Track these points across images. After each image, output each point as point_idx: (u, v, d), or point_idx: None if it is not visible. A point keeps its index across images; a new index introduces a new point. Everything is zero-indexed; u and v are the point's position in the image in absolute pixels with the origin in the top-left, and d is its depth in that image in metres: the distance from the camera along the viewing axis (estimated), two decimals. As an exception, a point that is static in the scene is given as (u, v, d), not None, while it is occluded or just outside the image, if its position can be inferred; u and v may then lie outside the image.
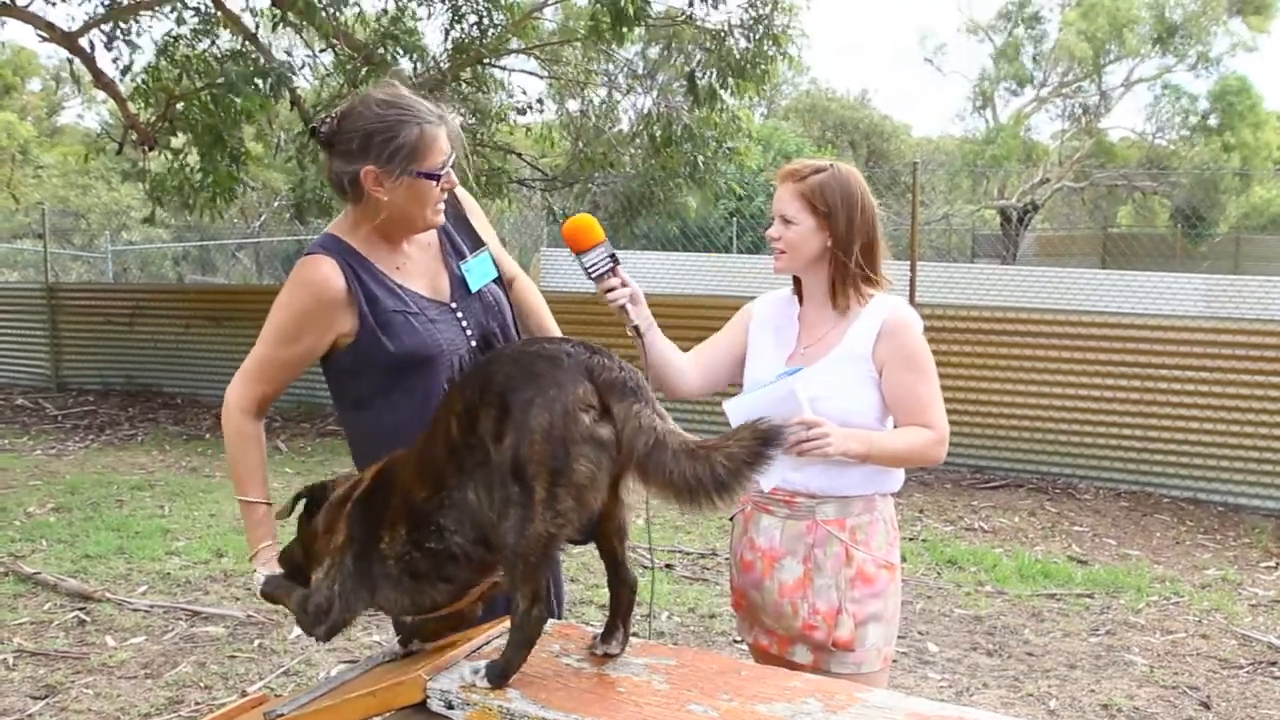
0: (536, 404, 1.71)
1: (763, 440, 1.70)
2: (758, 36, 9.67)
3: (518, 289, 2.64)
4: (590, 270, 2.37)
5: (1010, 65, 27.37)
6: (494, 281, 2.53)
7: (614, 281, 2.37)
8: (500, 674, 1.82)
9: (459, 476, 1.83)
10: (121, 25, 9.54)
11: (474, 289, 2.46)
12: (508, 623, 2.14)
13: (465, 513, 1.83)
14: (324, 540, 2.05)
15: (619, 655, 1.97)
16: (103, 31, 9.42)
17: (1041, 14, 26.98)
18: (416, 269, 2.43)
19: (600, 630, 2.02)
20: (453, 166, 2.34)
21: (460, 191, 2.53)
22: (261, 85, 8.47)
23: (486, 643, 2.07)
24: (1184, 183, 24.36)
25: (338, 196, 2.40)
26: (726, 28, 9.71)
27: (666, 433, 1.73)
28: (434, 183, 2.29)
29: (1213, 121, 25.38)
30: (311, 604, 2.03)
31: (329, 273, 2.32)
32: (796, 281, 2.59)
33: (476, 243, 2.53)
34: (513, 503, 1.74)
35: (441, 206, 2.38)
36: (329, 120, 2.33)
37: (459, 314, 2.42)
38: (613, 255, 2.38)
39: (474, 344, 2.40)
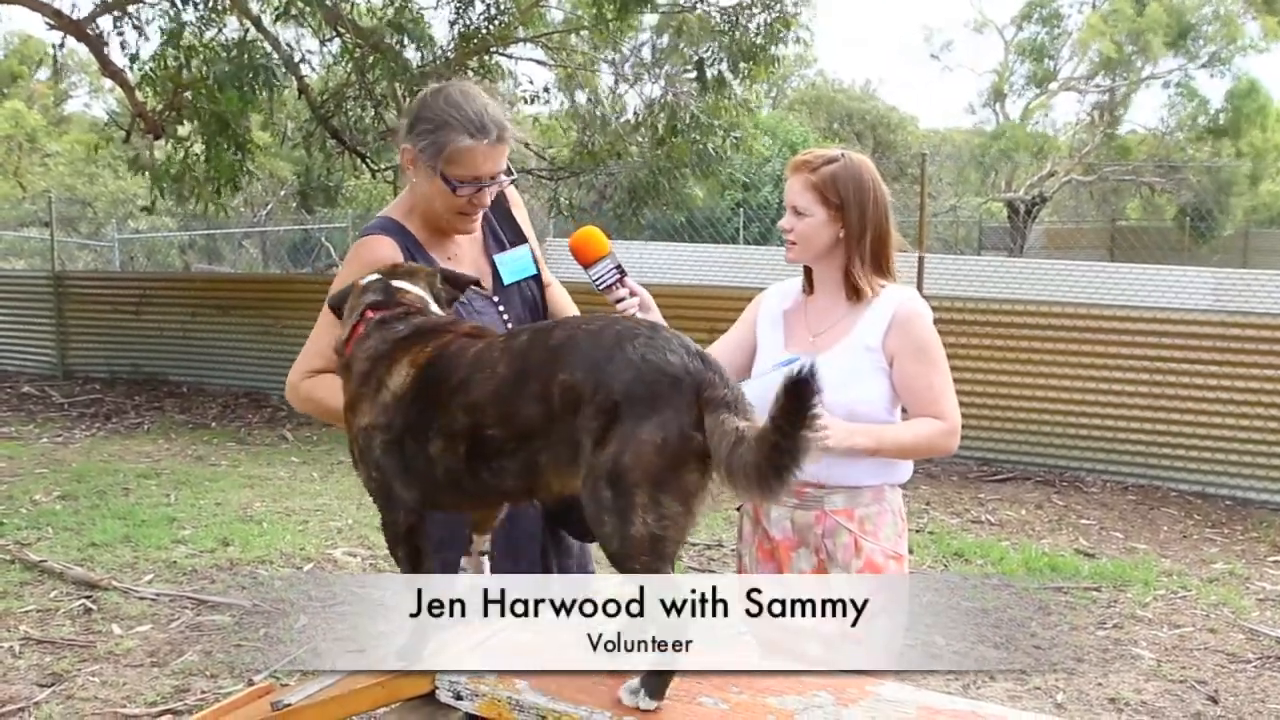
0: (652, 422, 1.70)
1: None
2: (770, 20, 9.63)
3: (551, 295, 2.64)
4: (597, 283, 2.39)
5: (1028, 61, 27.30)
6: (532, 279, 2.53)
7: (622, 292, 2.39)
8: (660, 685, 1.77)
9: (543, 441, 1.80)
10: (130, 10, 9.52)
11: (507, 282, 2.47)
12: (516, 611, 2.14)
13: (531, 468, 1.82)
14: (346, 413, 2.02)
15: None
16: (114, 19, 9.40)
17: (1062, 10, 26.88)
18: (465, 260, 2.45)
19: None
20: (492, 190, 2.34)
21: (510, 189, 2.54)
22: (256, 81, 8.45)
23: (491, 635, 2.06)
24: (1193, 180, 24.27)
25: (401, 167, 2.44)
26: (737, 10, 9.67)
27: (745, 429, 1.70)
28: (451, 190, 2.30)
29: (1222, 121, 25.30)
30: (374, 498, 2.01)
31: (389, 254, 2.32)
32: (807, 271, 2.57)
33: (518, 238, 2.54)
34: (607, 508, 1.72)
35: (475, 219, 2.38)
36: (417, 96, 2.39)
37: (500, 306, 2.44)
38: (619, 267, 2.39)
39: None
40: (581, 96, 11.66)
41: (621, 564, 1.74)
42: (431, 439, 1.89)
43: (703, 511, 1.76)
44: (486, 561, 2.17)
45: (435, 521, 2.06)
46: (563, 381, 1.76)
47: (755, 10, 9.65)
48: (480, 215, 2.41)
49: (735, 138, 10.79)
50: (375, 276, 2.11)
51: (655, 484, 1.69)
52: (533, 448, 1.81)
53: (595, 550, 2.39)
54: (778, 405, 1.59)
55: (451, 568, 2.23)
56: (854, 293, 2.47)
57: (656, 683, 1.75)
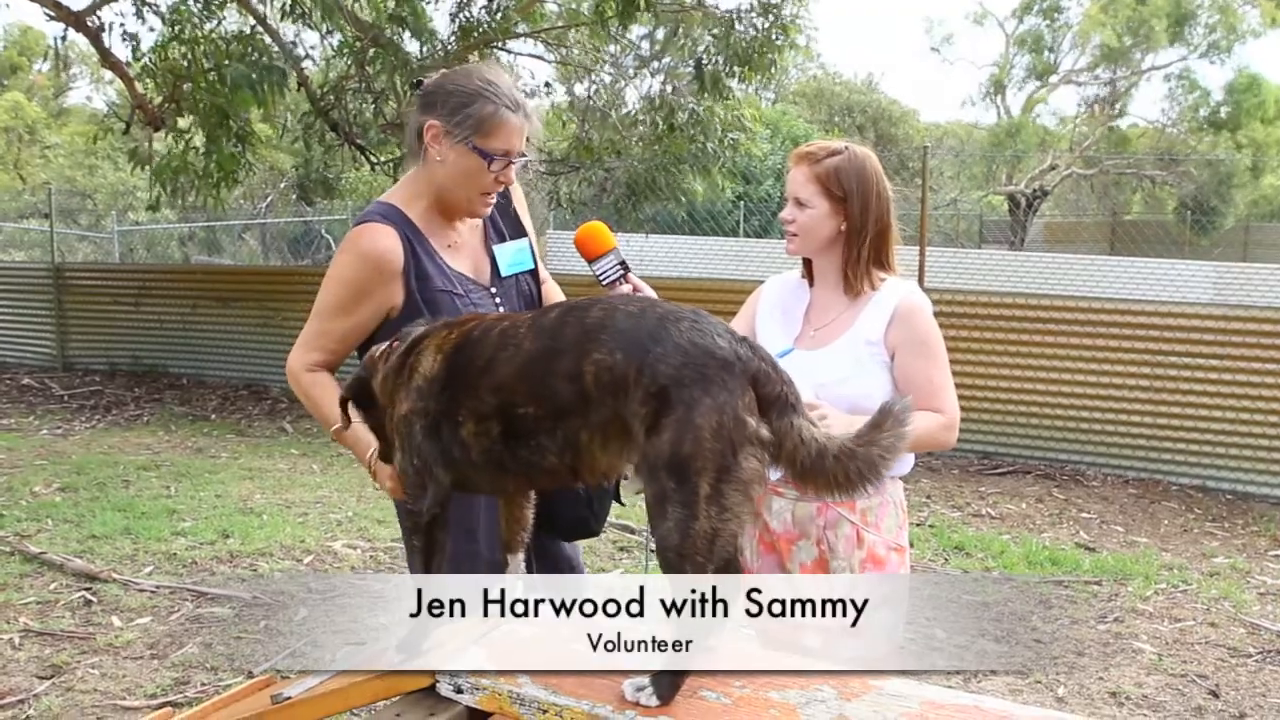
0: (705, 404, 1.68)
1: (904, 424, 1.77)
2: (767, 25, 9.60)
3: (546, 293, 2.64)
4: (601, 278, 2.39)
5: (1028, 53, 27.26)
6: (529, 274, 2.53)
7: (626, 288, 2.38)
8: (670, 685, 1.75)
9: (581, 420, 1.79)
10: (130, 2, 9.50)
11: (504, 273, 2.46)
12: (516, 611, 2.13)
13: (572, 445, 1.81)
14: (390, 416, 2.02)
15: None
16: (118, 15, 9.40)
17: (1062, 2, 26.84)
18: (466, 249, 2.44)
19: None
20: (517, 166, 2.34)
21: (486, 210, 2.54)
22: (266, 79, 8.44)
23: (495, 629, 2.05)
24: (1194, 173, 24.25)
25: (409, 153, 2.42)
26: (736, 14, 9.65)
27: (826, 440, 1.74)
28: (486, 163, 2.29)
29: (1224, 114, 25.28)
30: (406, 487, 2.01)
31: (390, 244, 2.31)
32: (807, 263, 2.56)
33: (518, 232, 2.54)
34: (671, 499, 1.69)
35: (493, 200, 2.38)
36: (435, 76, 2.37)
37: (496, 298, 2.44)
38: (623, 262, 2.39)
39: None
40: (581, 90, 11.63)
41: (675, 564, 1.71)
42: (464, 422, 1.88)
43: (759, 504, 1.76)
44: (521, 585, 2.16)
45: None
46: (598, 361, 1.75)
47: (753, 15, 9.62)
48: (495, 196, 2.40)
49: (732, 139, 10.77)
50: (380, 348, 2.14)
51: (718, 472, 1.68)
52: (570, 425, 1.80)
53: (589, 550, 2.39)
54: (894, 431, 1.74)
55: (463, 557, 2.23)
56: (855, 286, 2.46)
57: (667, 685, 1.73)
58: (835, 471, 1.72)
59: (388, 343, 2.07)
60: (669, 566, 1.72)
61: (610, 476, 1.86)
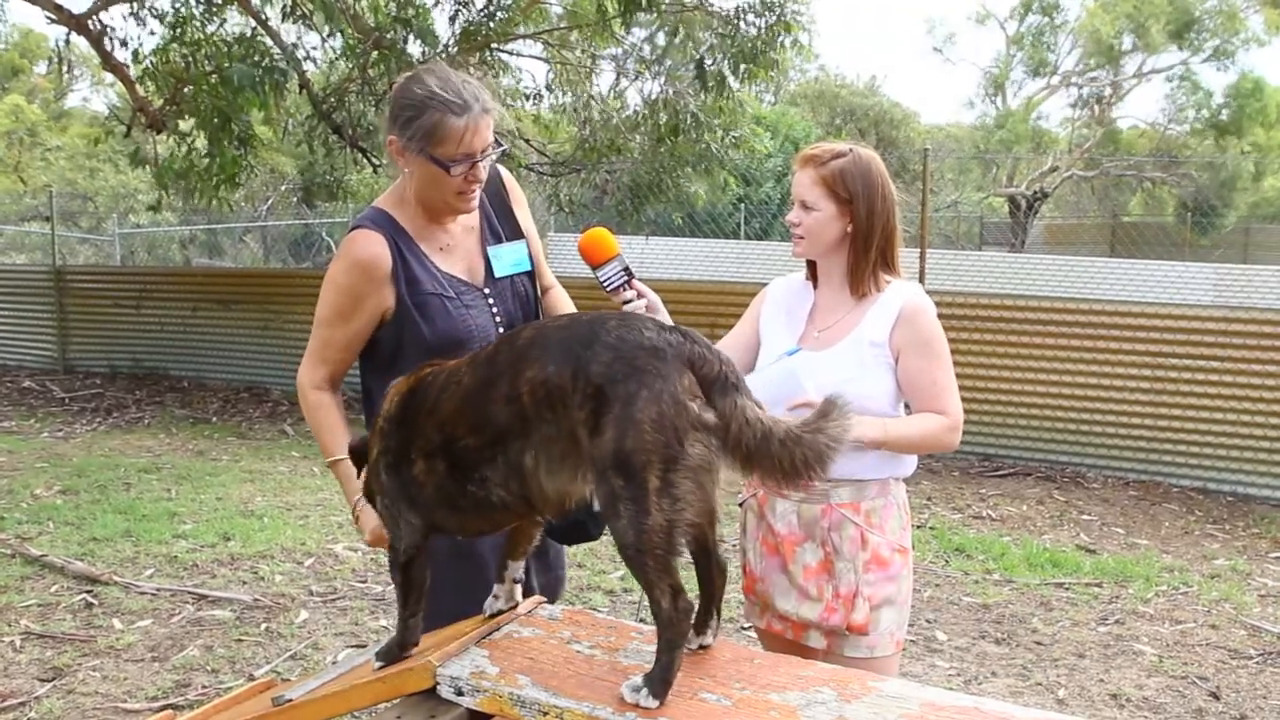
0: (642, 396, 1.67)
1: (849, 414, 1.76)
2: (770, 23, 9.60)
3: (551, 298, 2.65)
4: (606, 284, 2.40)
5: (1027, 53, 27.27)
6: (526, 275, 2.53)
7: (629, 294, 2.39)
8: (662, 683, 1.73)
9: (522, 441, 1.79)
10: (132, 4, 9.50)
11: (499, 274, 2.47)
12: (519, 610, 2.14)
13: (516, 472, 1.81)
14: (370, 467, 2.08)
15: (712, 646, 1.94)
16: (121, 14, 9.40)
17: (1061, 2, 26.86)
18: (458, 251, 2.45)
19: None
20: (486, 162, 2.34)
21: (511, 182, 2.57)
22: (269, 80, 8.44)
23: (497, 628, 2.06)
24: (1194, 174, 24.25)
25: (389, 160, 2.45)
26: (738, 13, 9.65)
27: (771, 423, 1.73)
28: (445, 171, 2.29)
29: (1224, 117, 25.27)
30: (386, 528, 2.06)
31: (379, 250, 2.33)
32: (811, 265, 2.57)
33: (516, 233, 2.54)
34: (621, 498, 1.69)
35: (474, 196, 2.38)
36: (392, 86, 2.40)
37: (490, 299, 2.44)
38: (627, 269, 2.40)
39: (501, 330, 2.42)
40: (582, 91, 11.62)
41: (636, 560, 1.71)
42: (415, 460, 1.93)
43: (715, 490, 1.75)
44: (519, 589, 2.17)
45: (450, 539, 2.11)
46: (532, 378, 1.76)
47: (754, 16, 9.61)
48: (478, 192, 2.39)
49: (734, 136, 10.76)
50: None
51: (665, 463, 1.67)
52: (511, 450, 1.80)
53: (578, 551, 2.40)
54: (839, 421, 1.72)
55: (465, 581, 2.25)
56: (859, 288, 2.47)
57: (659, 683, 1.73)
58: (780, 456, 1.70)
59: None
60: (631, 564, 1.73)
61: (565, 503, 1.83)
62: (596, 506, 1.74)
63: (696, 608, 1.88)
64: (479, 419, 1.83)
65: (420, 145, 2.27)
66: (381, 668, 1.98)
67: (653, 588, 1.72)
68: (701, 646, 1.93)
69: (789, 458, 1.71)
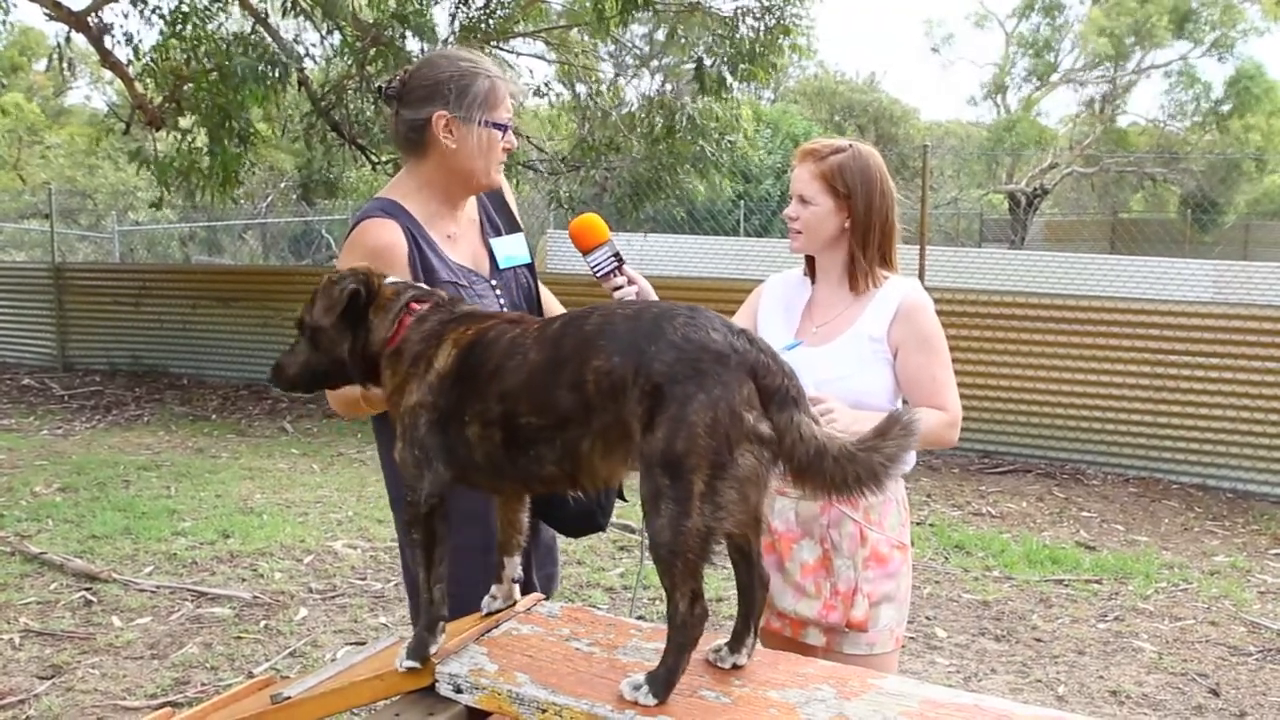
0: (699, 400, 1.66)
1: (910, 434, 1.74)
2: (770, 25, 9.59)
3: (543, 296, 2.65)
4: (595, 269, 2.40)
5: (1028, 53, 27.26)
6: (526, 268, 2.54)
7: (619, 280, 2.38)
8: (665, 684, 1.72)
9: (582, 429, 1.77)
10: (131, 1, 9.49)
11: (502, 266, 2.48)
12: (520, 607, 2.13)
13: (571, 453, 1.80)
14: (393, 396, 1.99)
15: (746, 667, 1.88)
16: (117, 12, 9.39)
17: (1064, 1, 26.83)
18: (464, 241, 2.45)
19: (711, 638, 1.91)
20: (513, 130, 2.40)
21: (502, 180, 2.56)
22: (270, 74, 8.44)
23: (496, 626, 2.05)
24: (1195, 170, 24.23)
25: (402, 152, 2.43)
26: (738, 15, 9.64)
27: (826, 440, 1.71)
28: (501, 134, 2.34)
29: (1226, 109, 25.26)
30: (405, 477, 1.97)
31: (394, 238, 2.32)
32: (809, 260, 2.57)
33: (513, 226, 2.56)
34: (665, 496, 1.67)
35: (501, 166, 2.42)
36: (397, 76, 2.38)
37: (497, 290, 2.44)
38: (617, 254, 2.40)
39: None
40: (581, 89, 11.62)
41: (667, 560, 1.69)
42: (469, 423, 1.87)
43: (762, 501, 1.74)
44: (518, 589, 2.16)
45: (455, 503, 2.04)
46: (598, 368, 1.74)
47: (752, 19, 9.60)
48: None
49: (730, 141, 10.76)
50: (392, 279, 2.07)
51: (712, 469, 1.66)
52: (570, 435, 1.79)
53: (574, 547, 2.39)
54: (899, 439, 1.71)
55: (466, 549, 2.22)
56: (858, 283, 2.47)
57: (662, 683, 1.72)
58: (833, 473, 1.70)
59: (414, 290, 2.05)
60: (661, 563, 1.71)
61: (610, 483, 1.85)
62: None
63: (734, 624, 1.88)
64: (544, 401, 1.80)
65: (478, 112, 2.31)
66: (411, 669, 1.90)
67: (675, 589, 1.70)
68: (735, 666, 1.88)
69: (841, 475, 1.70)
